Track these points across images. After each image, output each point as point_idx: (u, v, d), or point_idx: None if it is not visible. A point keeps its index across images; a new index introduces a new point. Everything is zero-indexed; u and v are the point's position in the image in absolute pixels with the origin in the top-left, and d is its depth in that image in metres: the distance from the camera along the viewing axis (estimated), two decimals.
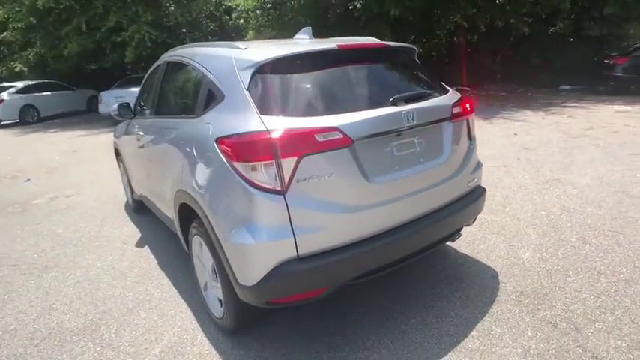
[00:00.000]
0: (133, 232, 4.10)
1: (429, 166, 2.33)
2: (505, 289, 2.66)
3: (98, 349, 2.39)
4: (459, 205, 2.50)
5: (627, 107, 8.90)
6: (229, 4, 18.59)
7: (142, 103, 3.85)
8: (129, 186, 4.46)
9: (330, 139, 1.95)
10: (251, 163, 1.89)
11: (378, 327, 2.39)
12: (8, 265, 3.57)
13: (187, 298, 2.83)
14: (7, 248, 3.92)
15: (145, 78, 3.88)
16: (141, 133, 3.46)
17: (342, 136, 1.98)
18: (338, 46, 2.29)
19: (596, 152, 5.63)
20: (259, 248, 1.90)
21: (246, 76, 2.09)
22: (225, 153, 1.99)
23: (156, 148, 3.06)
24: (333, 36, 2.96)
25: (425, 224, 2.28)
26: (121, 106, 3.73)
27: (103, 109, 12.30)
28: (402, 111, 2.19)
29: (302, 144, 1.91)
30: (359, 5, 13.43)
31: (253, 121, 1.95)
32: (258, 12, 16.12)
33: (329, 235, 1.99)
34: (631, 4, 11.14)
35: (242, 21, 18.41)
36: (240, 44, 2.40)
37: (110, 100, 11.39)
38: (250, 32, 15.92)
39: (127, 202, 4.87)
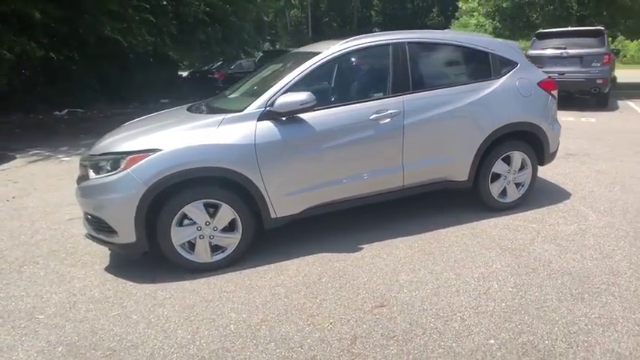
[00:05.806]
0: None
1: None
2: None
3: None
4: None
5: None
6: None
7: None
8: (268, 205, 3.13)
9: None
10: (555, 90, 4.12)
11: None
12: None
13: None
14: None
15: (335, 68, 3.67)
16: (392, 111, 3.34)
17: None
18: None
19: None
20: (560, 130, 4.20)
21: (521, 52, 4.20)
22: (546, 88, 4.02)
23: (443, 114, 3.60)
24: None
25: None
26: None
27: None
28: None
29: None
30: None
31: (542, 73, 4.18)
32: None
33: None
34: None
35: None
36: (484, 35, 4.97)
37: None
38: None
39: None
